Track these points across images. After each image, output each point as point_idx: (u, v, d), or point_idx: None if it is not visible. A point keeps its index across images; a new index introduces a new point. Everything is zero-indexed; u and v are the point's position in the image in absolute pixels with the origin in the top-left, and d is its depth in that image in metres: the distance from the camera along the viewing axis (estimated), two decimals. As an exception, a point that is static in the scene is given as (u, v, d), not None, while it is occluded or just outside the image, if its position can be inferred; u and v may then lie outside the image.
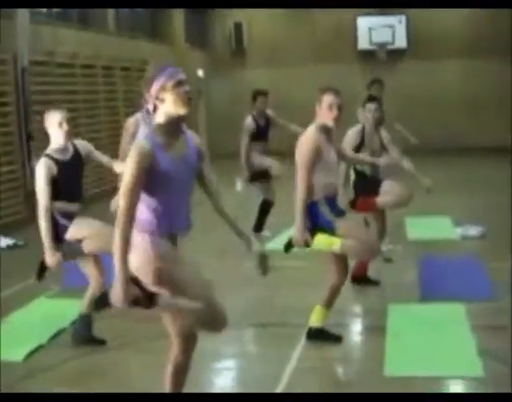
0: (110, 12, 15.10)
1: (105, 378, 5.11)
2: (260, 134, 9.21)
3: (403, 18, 20.23)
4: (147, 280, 3.56)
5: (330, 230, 5.37)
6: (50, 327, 6.13)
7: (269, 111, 9.40)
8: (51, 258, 5.44)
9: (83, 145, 5.75)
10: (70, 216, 5.58)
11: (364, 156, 6.78)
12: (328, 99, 5.34)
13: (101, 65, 14.05)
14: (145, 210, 3.58)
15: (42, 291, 7.22)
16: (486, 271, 7.32)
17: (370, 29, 20.41)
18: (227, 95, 21.15)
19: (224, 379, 5.16)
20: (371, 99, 7.23)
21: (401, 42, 20.37)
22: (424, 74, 19.75)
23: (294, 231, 5.37)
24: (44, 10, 13.14)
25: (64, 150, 5.56)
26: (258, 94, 9.24)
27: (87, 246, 5.51)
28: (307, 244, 5.35)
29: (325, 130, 5.44)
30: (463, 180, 14.90)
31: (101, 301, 3.59)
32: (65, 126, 5.48)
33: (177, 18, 18.70)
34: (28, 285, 7.56)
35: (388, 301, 6.51)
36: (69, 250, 5.54)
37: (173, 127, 3.62)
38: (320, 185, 5.38)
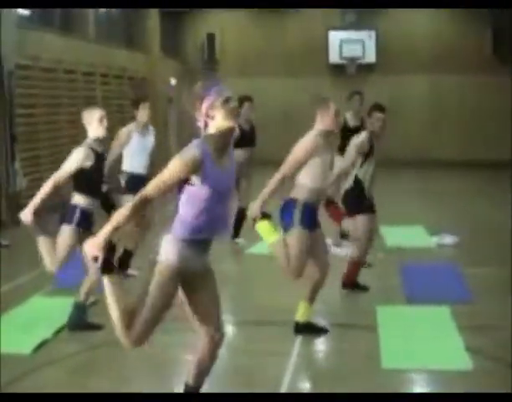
0: (91, 18, 15.25)
1: (110, 371, 5.31)
2: (245, 140, 9.27)
3: (373, 33, 20.73)
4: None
5: (283, 229, 5.71)
6: (51, 322, 6.28)
7: (254, 117, 9.62)
8: (27, 214, 5.82)
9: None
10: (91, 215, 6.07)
11: (335, 178, 6.96)
12: (334, 106, 5.69)
13: (82, 71, 14.19)
14: (188, 212, 3.83)
15: (34, 290, 7.38)
16: (463, 276, 7.72)
17: (341, 44, 20.86)
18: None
19: (227, 376, 5.33)
20: (378, 108, 7.19)
21: (370, 56, 20.85)
22: (392, 88, 20.26)
23: (252, 205, 5.65)
24: (28, 14, 13.26)
25: (101, 142, 6.06)
26: (244, 99, 9.30)
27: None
28: (254, 221, 5.65)
29: (327, 135, 5.77)
30: (431, 192, 15.38)
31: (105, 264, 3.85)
32: (105, 122, 6.00)
33: (153, 27, 18.90)
34: (19, 284, 7.72)
35: (374, 303, 6.83)
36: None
37: (223, 140, 3.85)
38: (308, 187, 5.68)
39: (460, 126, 20.82)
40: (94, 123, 5.99)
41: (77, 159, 5.91)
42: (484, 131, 20.58)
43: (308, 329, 5.93)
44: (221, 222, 3.93)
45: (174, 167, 3.72)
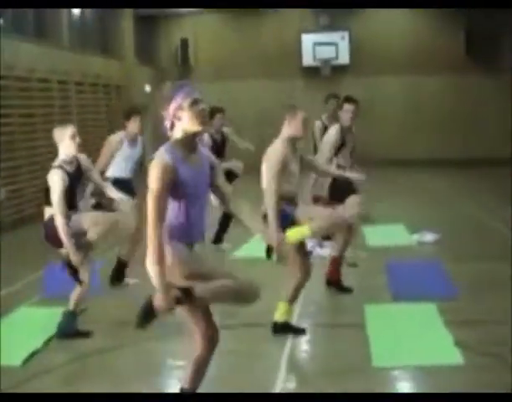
0: (65, 25, 15.18)
1: (102, 379, 5.27)
2: (217, 151, 9.24)
3: (346, 34, 20.85)
4: (177, 281, 3.82)
5: (291, 222, 5.82)
6: (40, 333, 6.24)
7: (225, 129, 9.69)
8: (76, 257, 5.86)
9: (84, 160, 6.21)
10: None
11: (338, 171, 7.06)
12: (302, 115, 5.88)
13: (56, 80, 14.12)
14: (171, 224, 3.84)
15: (20, 301, 7.34)
16: (446, 273, 7.81)
17: (314, 46, 20.96)
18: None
19: (223, 377, 5.38)
20: (348, 100, 7.49)
21: (344, 58, 20.97)
22: (367, 89, 20.38)
23: (269, 236, 5.53)
24: (1, 23, 13.17)
25: (71, 162, 5.99)
26: (215, 111, 9.41)
27: (92, 234, 5.96)
28: (284, 242, 5.66)
29: (293, 142, 5.93)
30: (409, 191, 15.51)
31: (147, 312, 3.79)
32: (78, 139, 5.94)
33: (127, 34, 18.86)
34: (4, 295, 7.66)
35: (361, 301, 6.89)
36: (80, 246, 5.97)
37: (190, 142, 3.88)
38: (282, 193, 5.82)
39: (435, 126, 21.03)
40: (65, 141, 5.94)
41: (56, 187, 5.89)
42: (460, 130, 20.81)
43: (286, 329, 5.98)
44: (196, 228, 3.95)
45: (154, 180, 3.72)
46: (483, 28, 20.20)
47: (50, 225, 5.99)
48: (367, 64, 20.91)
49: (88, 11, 17.22)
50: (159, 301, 3.73)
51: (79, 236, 5.97)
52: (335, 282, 7.40)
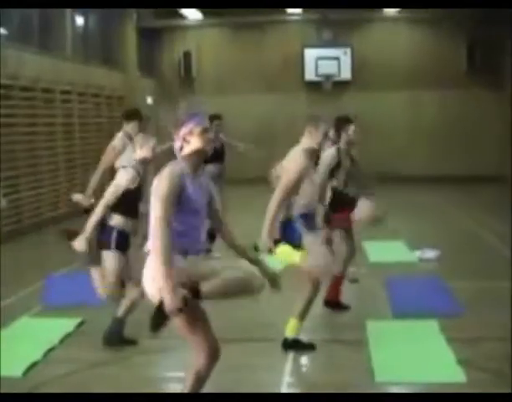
0: (69, 36, 15.23)
1: (103, 391, 5.25)
2: (214, 156, 9.43)
3: (348, 50, 20.92)
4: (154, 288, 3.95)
5: (297, 245, 5.75)
6: (40, 344, 6.23)
7: (222, 134, 9.90)
8: (82, 243, 5.90)
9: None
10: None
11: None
12: (325, 127, 5.79)
13: (60, 90, 14.15)
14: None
15: (21, 311, 7.32)
16: (449, 290, 7.80)
17: (316, 61, 21.02)
18: (175, 121, 21.34)
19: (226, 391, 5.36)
20: (348, 120, 7.34)
21: (346, 73, 21.03)
22: (368, 105, 20.42)
23: (262, 237, 5.69)
24: (6, 33, 13.21)
25: (143, 163, 6.11)
26: (214, 118, 9.62)
27: None
28: (270, 251, 5.70)
29: (313, 153, 5.83)
30: (410, 207, 15.50)
31: (159, 315, 3.84)
32: (154, 145, 6.16)
33: (130, 45, 18.92)
34: (6, 305, 7.64)
35: (363, 318, 6.87)
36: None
37: (196, 162, 4.17)
38: (301, 204, 5.78)
39: (437, 141, 21.04)
40: (140, 146, 6.11)
41: (125, 180, 5.97)
42: (462, 146, 20.82)
43: (296, 345, 5.93)
44: (197, 241, 4.12)
45: (163, 188, 3.94)
46: (485, 43, 20.27)
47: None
48: (369, 79, 20.96)
49: (91, 22, 17.28)
50: (168, 302, 3.79)
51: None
52: (333, 303, 7.28)
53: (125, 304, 6.10)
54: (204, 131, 4.15)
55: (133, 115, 8.00)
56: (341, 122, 7.27)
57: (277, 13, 20.12)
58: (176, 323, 3.97)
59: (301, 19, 21.21)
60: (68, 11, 15.09)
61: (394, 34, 21.05)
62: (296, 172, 5.74)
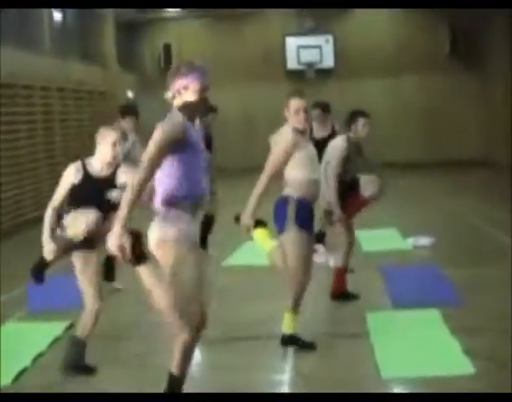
0: (46, 31, 14.90)
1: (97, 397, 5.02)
2: (207, 146, 9.22)
3: (330, 37, 20.71)
4: (159, 252, 3.98)
5: (279, 231, 5.51)
6: (28, 349, 5.96)
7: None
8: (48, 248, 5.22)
9: (127, 173, 5.35)
10: None
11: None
12: (294, 104, 5.51)
13: (39, 86, 13.83)
14: (172, 182, 4.00)
15: (6, 316, 7.05)
16: (447, 278, 7.62)
17: (298, 49, 20.79)
18: (155, 115, 21.04)
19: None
20: (360, 113, 7.25)
21: (328, 61, 20.82)
22: (351, 93, 20.23)
23: (244, 213, 5.44)
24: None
25: (100, 168, 5.37)
26: (210, 110, 9.54)
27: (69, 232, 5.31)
28: (248, 230, 5.49)
29: (299, 132, 5.59)
30: (399, 194, 15.31)
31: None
32: (118, 148, 5.32)
33: (109, 39, 18.60)
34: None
35: (362, 309, 6.67)
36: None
37: (191, 113, 4.08)
38: (302, 181, 5.49)
39: (420, 128, 20.93)
40: (104, 145, 5.29)
41: (64, 179, 5.39)
42: (447, 131, 20.70)
43: (294, 342, 5.67)
44: (200, 185, 4.12)
45: (159, 138, 3.94)
46: (467, 27, 20.15)
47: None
48: (351, 67, 20.78)
49: (69, 16, 16.94)
50: (111, 240, 3.80)
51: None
52: (342, 294, 7.08)
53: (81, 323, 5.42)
54: (203, 90, 4.04)
55: (128, 110, 8.07)
56: (353, 115, 7.17)
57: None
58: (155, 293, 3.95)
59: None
60: (44, 5, 14.75)
61: (376, 20, 20.90)
62: (287, 143, 5.50)
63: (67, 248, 5.28)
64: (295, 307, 5.65)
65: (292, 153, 5.50)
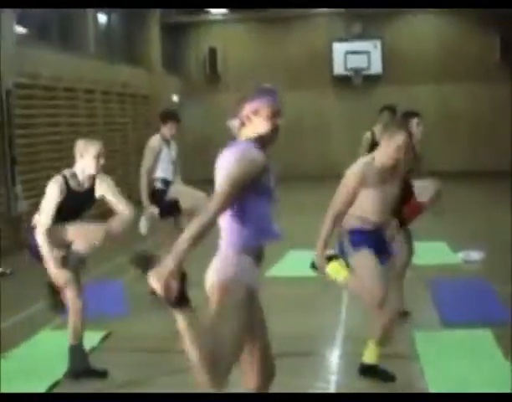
0: (91, 34, 14.84)
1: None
2: None
3: (378, 43, 20.32)
4: (216, 294, 3.47)
5: (347, 262, 5.22)
6: (63, 360, 5.77)
7: None
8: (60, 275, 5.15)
9: (102, 184, 5.40)
10: None
11: None
12: (399, 138, 5.10)
13: (83, 89, 13.76)
14: (241, 225, 3.49)
15: (43, 322, 6.87)
16: (497, 295, 7.23)
17: (345, 55, 20.45)
18: (200, 119, 20.95)
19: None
20: (412, 114, 6.98)
21: (376, 67, 20.43)
22: (399, 99, 19.72)
23: (315, 254, 5.15)
24: (26, 32, 12.85)
25: (82, 181, 5.31)
26: None
27: (77, 247, 5.32)
28: (323, 269, 5.18)
29: (382, 168, 5.17)
30: (447, 205, 14.84)
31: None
32: (102, 161, 5.26)
33: (154, 43, 18.51)
34: (25, 317, 7.23)
35: (410, 327, 6.34)
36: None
37: (263, 144, 3.55)
38: (353, 217, 5.17)
39: (470, 136, 20.38)
40: (87, 158, 5.21)
41: (53, 192, 5.24)
42: (495, 141, 20.12)
43: (373, 373, 5.26)
44: (270, 225, 3.59)
45: (237, 172, 3.37)
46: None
47: (32, 234, 5.29)
48: (400, 73, 20.35)
49: (114, 19, 16.89)
50: (157, 273, 3.22)
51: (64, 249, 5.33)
52: None
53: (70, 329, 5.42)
54: (275, 115, 3.53)
55: (169, 116, 7.95)
56: (406, 116, 6.89)
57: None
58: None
59: (329, 12, 20.63)
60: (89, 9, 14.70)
61: (425, 26, 20.45)
62: (350, 181, 5.12)
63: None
64: (383, 340, 5.24)
65: (359, 187, 5.15)
